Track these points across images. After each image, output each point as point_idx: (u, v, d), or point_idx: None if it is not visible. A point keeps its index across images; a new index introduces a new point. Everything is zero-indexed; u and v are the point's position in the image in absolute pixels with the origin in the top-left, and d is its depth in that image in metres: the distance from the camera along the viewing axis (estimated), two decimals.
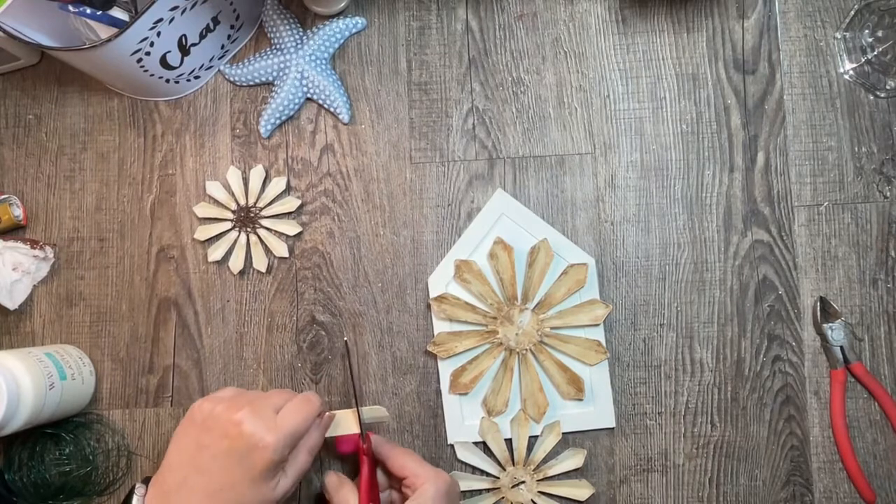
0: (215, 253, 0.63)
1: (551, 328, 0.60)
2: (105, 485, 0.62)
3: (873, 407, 0.60)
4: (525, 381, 0.60)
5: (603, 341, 0.60)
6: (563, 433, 0.60)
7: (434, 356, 0.61)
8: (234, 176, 0.64)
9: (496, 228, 0.62)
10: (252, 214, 0.64)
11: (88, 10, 0.56)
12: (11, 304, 0.63)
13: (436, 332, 0.61)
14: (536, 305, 0.60)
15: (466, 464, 0.60)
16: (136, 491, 0.50)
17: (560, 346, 0.60)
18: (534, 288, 0.60)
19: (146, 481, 0.50)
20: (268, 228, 0.63)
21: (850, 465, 0.59)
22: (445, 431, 0.61)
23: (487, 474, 0.60)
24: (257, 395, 0.50)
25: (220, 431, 0.47)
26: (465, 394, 0.61)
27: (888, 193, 0.61)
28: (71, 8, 0.56)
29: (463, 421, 0.61)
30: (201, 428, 0.48)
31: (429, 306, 0.62)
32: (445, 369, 0.61)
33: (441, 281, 0.62)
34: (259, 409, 0.48)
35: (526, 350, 0.60)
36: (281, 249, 0.63)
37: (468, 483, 0.60)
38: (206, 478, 0.47)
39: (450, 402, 0.61)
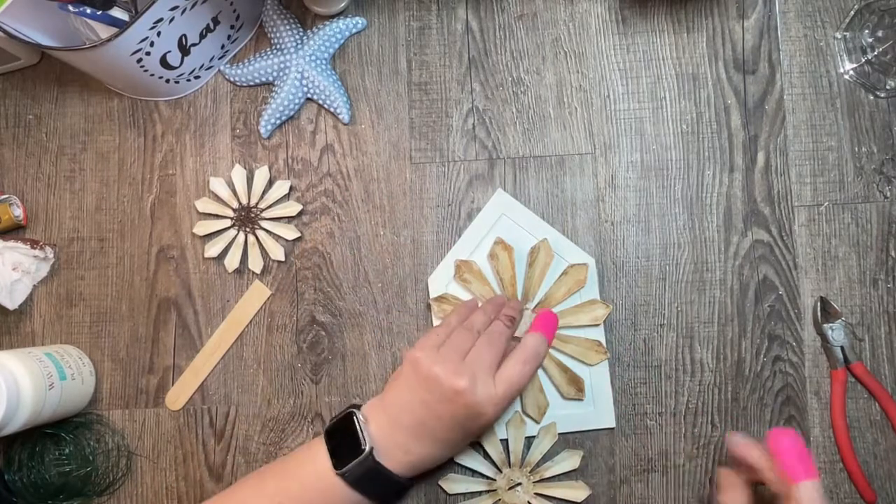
0: (212, 249, 0.63)
1: None
2: (105, 485, 0.62)
3: (874, 407, 0.60)
4: None
5: (603, 341, 0.60)
6: (564, 433, 0.60)
7: None
8: (238, 174, 0.64)
9: (496, 228, 0.62)
10: (252, 215, 0.64)
11: (88, 10, 0.56)
12: (11, 305, 0.63)
13: None
14: (536, 305, 0.60)
15: (463, 466, 0.60)
16: (356, 416, 0.52)
17: (560, 346, 0.60)
18: (534, 288, 0.60)
19: (356, 406, 0.53)
20: (267, 230, 0.63)
21: (850, 466, 0.59)
22: None
23: (484, 476, 0.60)
24: (475, 356, 0.51)
25: (441, 395, 0.49)
26: None
27: (888, 193, 0.61)
28: (71, 8, 0.56)
29: None
30: (424, 386, 0.50)
31: (429, 306, 0.62)
32: None
33: (441, 281, 0.62)
34: (479, 375, 0.50)
35: None
36: (277, 253, 0.63)
37: (465, 485, 0.59)
38: (427, 428, 0.50)
39: None
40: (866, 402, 0.60)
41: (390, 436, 0.51)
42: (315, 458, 0.52)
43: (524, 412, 0.60)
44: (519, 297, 0.60)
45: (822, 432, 0.60)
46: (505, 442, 0.60)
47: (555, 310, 0.60)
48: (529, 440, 0.60)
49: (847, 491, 0.59)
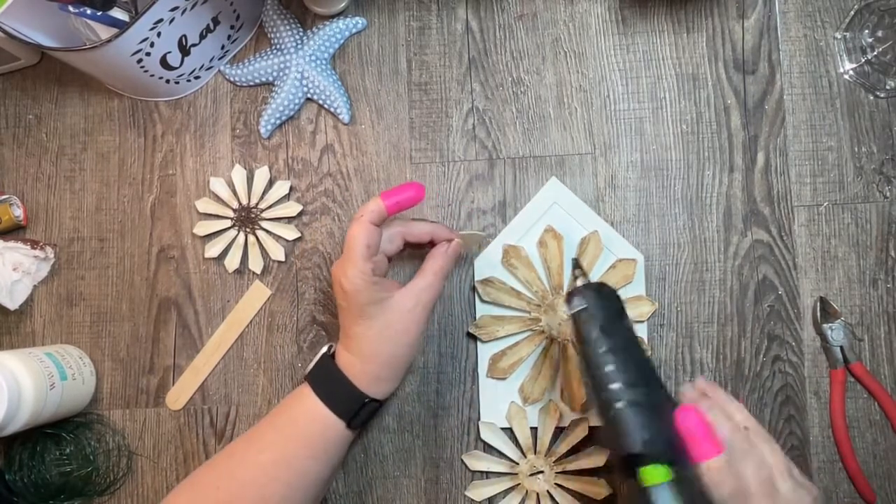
0: (212, 249, 0.63)
1: None
2: (106, 485, 0.62)
3: (873, 407, 0.60)
4: (564, 371, 0.60)
5: (646, 339, 0.60)
6: (596, 427, 0.60)
7: (436, 355, 0.62)
8: (238, 175, 0.64)
9: (547, 217, 0.62)
10: (252, 215, 0.64)
11: (88, 11, 0.56)
12: (12, 305, 0.63)
13: (478, 315, 0.61)
14: None
15: (488, 444, 0.60)
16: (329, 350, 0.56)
17: None
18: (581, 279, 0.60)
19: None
20: (267, 231, 0.63)
21: (849, 465, 0.59)
22: (446, 431, 0.61)
23: (508, 458, 0.60)
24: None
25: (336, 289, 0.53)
26: (503, 378, 0.61)
27: (888, 193, 0.62)
28: (71, 8, 0.56)
29: (497, 404, 0.61)
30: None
31: (473, 288, 0.62)
32: (484, 352, 0.61)
33: (488, 264, 0.61)
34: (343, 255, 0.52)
35: (567, 340, 0.60)
36: (278, 253, 0.63)
37: (486, 464, 0.60)
38: (349, 328, 0.53)
39: (486, 384, 0.61)
40: (866, 401, 0.60)
41: (363, 372, 0.53)
42: (304, 402, 0.53)
43: (561, 402, 0.60)
44: (565, 287, 0.60)
45: (821, 432, 0.60)
46: (534, 430, 0.60)
47: None
48: (559, 431, 0.60)
49: (846, 491, 0.59)
